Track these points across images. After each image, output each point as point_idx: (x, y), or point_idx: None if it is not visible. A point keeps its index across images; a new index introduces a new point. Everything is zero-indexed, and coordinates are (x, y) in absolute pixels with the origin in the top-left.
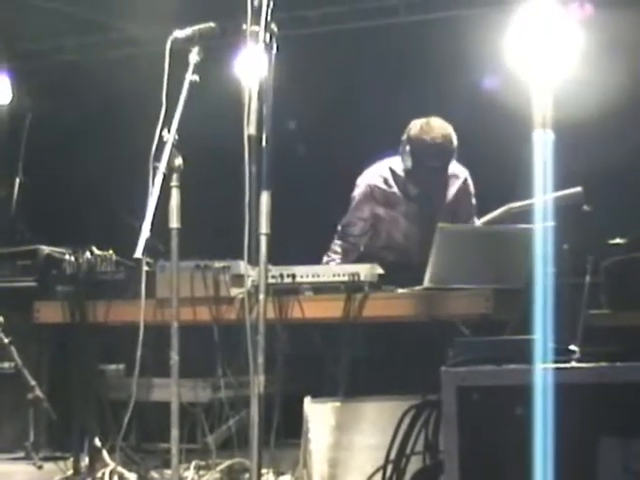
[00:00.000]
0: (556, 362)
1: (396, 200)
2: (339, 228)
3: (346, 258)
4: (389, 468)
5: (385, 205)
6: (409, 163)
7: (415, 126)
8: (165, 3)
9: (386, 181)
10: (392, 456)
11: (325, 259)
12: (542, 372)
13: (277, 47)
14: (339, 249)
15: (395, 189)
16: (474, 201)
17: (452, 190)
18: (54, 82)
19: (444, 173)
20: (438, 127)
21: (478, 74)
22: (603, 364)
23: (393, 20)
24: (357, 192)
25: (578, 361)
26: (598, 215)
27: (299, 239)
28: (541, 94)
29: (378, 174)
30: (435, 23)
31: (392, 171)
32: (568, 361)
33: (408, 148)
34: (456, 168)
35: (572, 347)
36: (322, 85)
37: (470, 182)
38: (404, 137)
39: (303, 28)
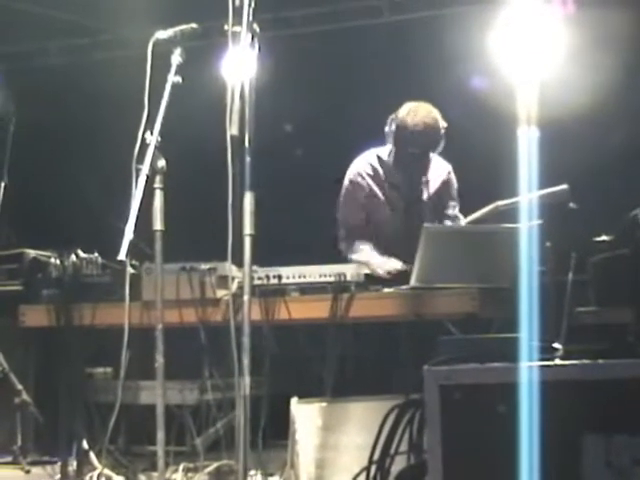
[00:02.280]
0: (540, 360)
1: (382, 186)
2: (345, 225)
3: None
4: (373, 468)
5: (371, 194)
6: (392, 145)
7: (403, 109)
8: (149, 5)
9: (373, 168)
10: (376, 456)
11: (353, 257)
12: (525, 370)
13: (259, 47)
14: (347, 250)
15: (381, 175)
16: (456, 196)
17: (436, 183)
18: (38, 85)
19: (425, 159)
20: (424, 113)
21: (463, 72)
22: (586, 361)
23: (377, 20)
24: (346, 182)
25: (561, 359)
26: (584, 212)
27: (286, 240)
28: (526, 92)
29: (366, 161)
30: (419, 22)
31: (379, 158)
32: (551, 359)
33: (393, 128)
34: (440, 162)
35: (555, 345)
36: (307, 86)
37: (453, 177)
38: (391, 117)
39: (287, 29)
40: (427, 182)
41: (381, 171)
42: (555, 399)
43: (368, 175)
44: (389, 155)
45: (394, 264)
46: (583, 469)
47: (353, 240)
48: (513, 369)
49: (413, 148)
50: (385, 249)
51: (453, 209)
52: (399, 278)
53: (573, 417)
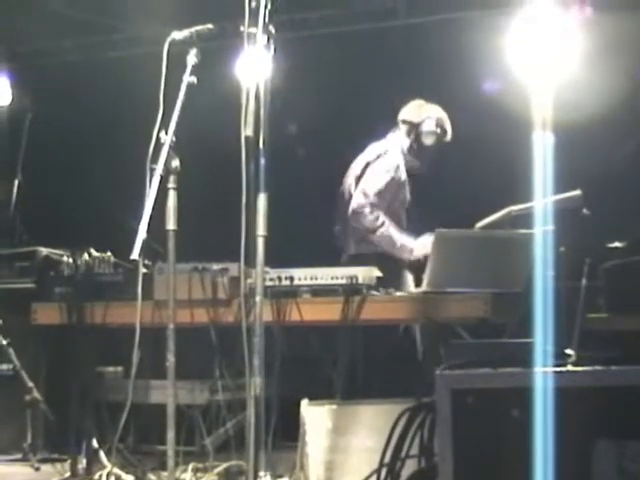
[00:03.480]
0: (552, 366)
1: (404, 188)
2: (372, 198)
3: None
4: (383, 471)
5: (405, 182)
6: (414, 142)
7: (431, 107)
8: (165, 4)
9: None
10: (387, 459)
11: (399, 237)
12: (538, 375)
13: (275, 48)
14: (377, 221)
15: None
16: None
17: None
18: (54, 83)
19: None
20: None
21: (478, 76)
22: (598, 367)
23: (393, 22)
24: (388, 164)
25: (574, 364)
26: (597, 218)
27: (298, 242)
28: (541, 96)
29: (395, 155)
30: (435, 25)
31: (402, 151)
32: (564, 365)
33: (432, 127)
34: None
35: (568, 351)
36: (322, 87)
37: None
38: (409, 117)
39: (303, 30)
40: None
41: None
42: (568, 405)
43: (400, 170)
44: (409, 150)
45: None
46: (595, 475)
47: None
48: (526, 374)
49: (442, 136)
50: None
51: None
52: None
53: (585, 423)
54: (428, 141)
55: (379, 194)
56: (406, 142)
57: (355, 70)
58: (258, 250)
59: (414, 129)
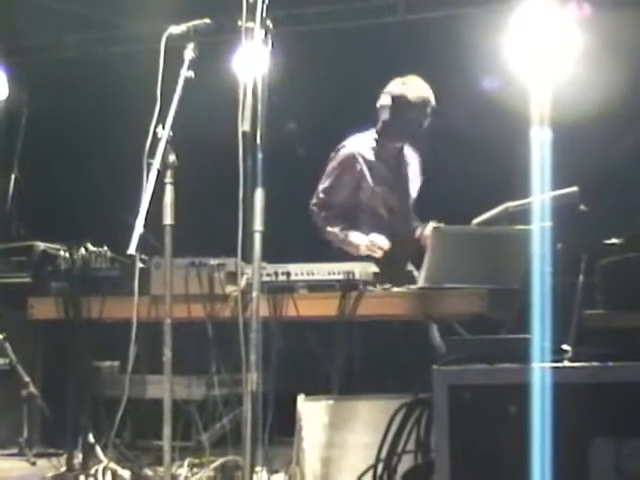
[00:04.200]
0: (549, 361)
1: (378, 166)
2: (321, 195)
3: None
4: (380, 467)
5: (367, 172)
6: (388, 117)
7: (396, 82)
8: (163, 0)
9: (370, 148)
10: (383, 455)
11: (329, 229)
12: (535, 371)
13: (272, 43)
14: (325, 220)
15: (378, 155)
16: None
17: (414, 165)
18: (51, 78)
19: (421, 130)
20: (420, 83)
21: (477, 73)
22: (595, 364)
23: (392, 18)
24: (341, 158)
25: (571, 361)
26: (594, 215)
27: (295, 237)
28: (539, 93)
29: (361, 141)
30: (434, 21)
31: (375, 139)
32: (561, 361)
33: (388, 101)
34: (411, 150)
35: (565, 347)
36: (320, 82)
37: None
38: (383, 94)
39: (301, 26)
40: (409, 166)
41: (376, 150)
42: (564, 401)
43: (362, 156)
44: (380, 134)
45: (380, 240)
46: (592, 472)
47: (333, 216)
48: (523, 370)
49: (412, 115)
50: (386, 231)
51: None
52: (390, 255)
53: (582, 420)
54: (384, 116)
55: (325, 192)
56: (378, 126)
57: (353, 66)
58: (255, 245)
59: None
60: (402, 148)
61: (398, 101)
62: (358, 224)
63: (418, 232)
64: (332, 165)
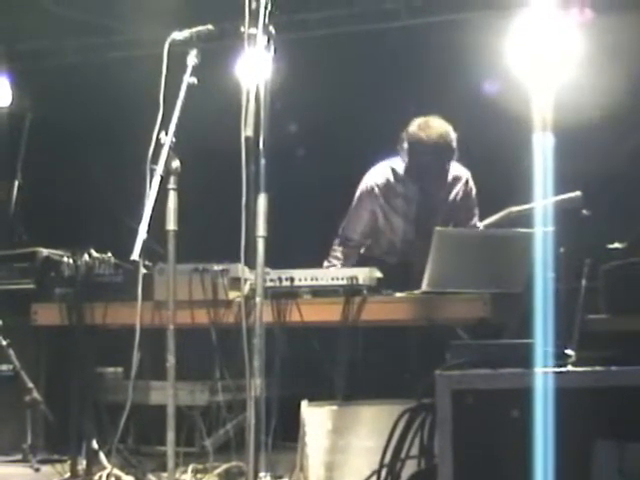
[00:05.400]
0: (552, 366)
1: (396, 198)
2: (340, 231)
3: (347, 263)
4: (384, 472)
5: (385, 204)
6: (406, 160)
7: (414, 124)
8: (165, 6)
9: (388, 180)
10: (387, 460)
11: (325, 264)
12: (538, 376)
13: (275, 49)
14: (340, 254)
15: (397, 187)
16: (475, 203)
17: (454, 192)
18: (54, 84)
19: (442, 172)
20: (436, 126)
21: (478, 78)
22: (598, 368)
23: (394, 23)
24: (359, 192)
25: (574, 365)
26: (597, 219)
27: (299, 242)
28: (541, 98)
29: (380, 173)
30: (435, 27)
31: (393, 170)
32: (564, 365)
33: (405, 145)
34: (458, 170)
35: (568, 351)
36: (322, 88)
37: (472, 184)
38: (403, 134)
39: (303, 31)
40: (444, 194)
41: (394, 182)
42: (567, 405)
43: (379, 187)
44: (404, 171)
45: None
46: (595, 476)
47: (340, 251)
48: (526, 375)
49: (430, 159)
50: (399, 258)
51: (471, 219)
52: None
53: (585, 424)
54: (404, 158)
55: (344, 228)
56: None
57: (355, 71)
58: (258, 251)
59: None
60: (443, 178)
61: (413, 146)
62: (374, 247)
63: None
64: (353, 202)
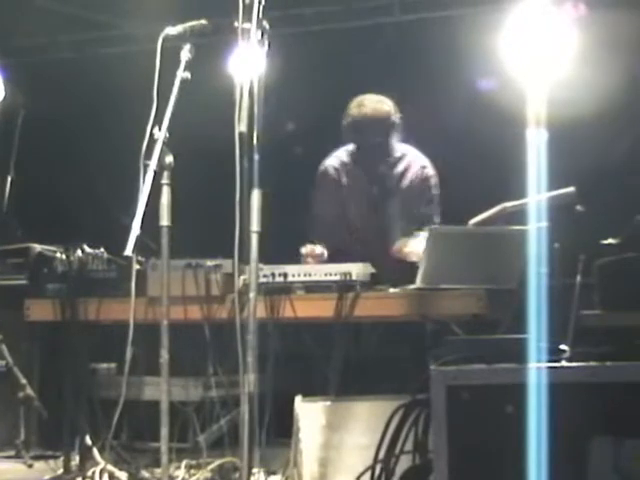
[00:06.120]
0: (547, 361)
1: (350, 180)
2: (316, 216)
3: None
4: (378, 467)
5: (339, 187)
6: (348, 139)
7: (351, 102)
8: (159, 1)
9: (342, 162)
10: (381, 455)
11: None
12: (533, 371)
13: (269, 44)
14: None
15: (351, 170)
16: (435, 194)
17: (408, 177)
18: (47, 80)
19: (384, 147)
20: (370, 102)
21: (472, 73)
22: (594, 363)
23: (388, 19)
24: (317, 177)
25: (569, 360)
26: (591, 215)
27: (292, 238)
28: (535, 93)
29: (335, 155)
30: (430, 22)
31: (348, 153)
32: (559, 360)
33: (344, 123)
34: (415, 156)
35: (563, 346)
36: (317, 83)
37: (430, 172)
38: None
39: (297, 26)
40: (396, 176)
41: (349, 166)
42: (562, 401)
43: (335, 169)
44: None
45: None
46: (590, 473)
47: (321, 232)
48: (521, 370)
49: (363, 138)
50: (358, 243)
51: (427, 206)
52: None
53: (580, 420)
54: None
55: (310, 219)
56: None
57: (349, 66)
58: (252, 246)
59: None
60: (398, 162)
61: (349, 125)
62: (340, 239)
63: (395, 246)
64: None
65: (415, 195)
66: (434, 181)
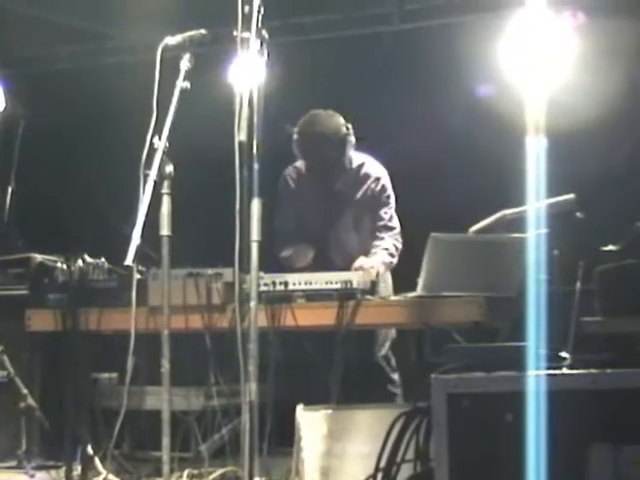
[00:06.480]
0: (547, 369)
1: (306, 191)
2: (280, 225)
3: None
4: (379, 476)
5: (296, 194)
6: (299, 156)
7: (301, 120)
8: (158, 11)
9: (299, 172)
10: (383, 464)
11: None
12: (533, 379)
13: (268, 53)
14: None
15: (306, 181)
16: (390, 202)
17: (363, 189)
18: (47, 90)
19: (332, 163)
20: (320, 119)
21: (472, 80)
22: (594, 371)
23: (387, 28)
24: (279, 186)
25: (569, 368)
26: (591, 222)
27: None
28: (535, 100)
29: (295, 165)
30: (429, 31)
31: (305, 163)
32: (559, 368)
33: (294, 141)
34: (372, 167)
35: (563, 354)
36: (317, 92)
37: (385, 182)
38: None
39: (297, 35)
40: (351, 188)
41: (305, 178)
42: (563, 408)
43: (290, 177)
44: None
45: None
46: (590, 479)
47: (283, 244)
48: (521, 378)
49: (311, 156)
50: (318, 254)
51: (383, 218)
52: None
53: (581, 427)
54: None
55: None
56: None
57: (349, 75)
58: (252, 255)
59: None
60: (355, 172)
61: (298, 141)
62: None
63: (355, 265)
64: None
65: (372, 206)
66: (390, 191)
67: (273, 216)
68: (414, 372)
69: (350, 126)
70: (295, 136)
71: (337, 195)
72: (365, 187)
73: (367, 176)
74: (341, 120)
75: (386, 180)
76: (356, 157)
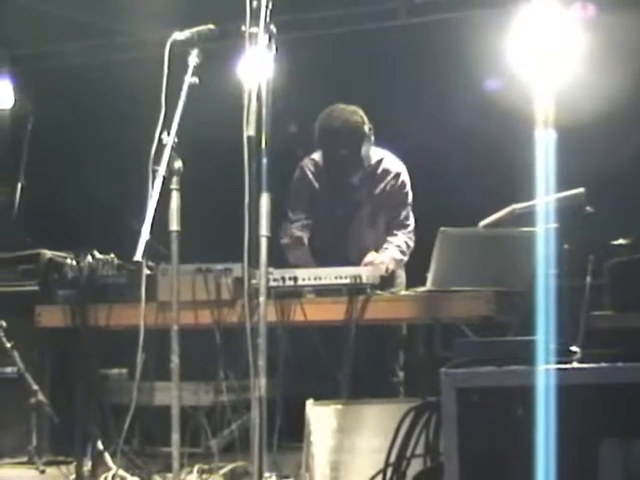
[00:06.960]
0: (557, 363)
1: (323, 186)
2: (289, 214)
3: (299, 242)
4: (389, 471)
5: (313, 191)
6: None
7: (321, 114)
8: (166, 7)
9: (317, 164)
10: (392, 459)
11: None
12: (543, 373)
13: (276, 48)
14: (290, 236)
15: (324, 173)
16: (408, 199)
17: (382, 185)
18: (56, 86)
19: (353, 159)
20: (340, 113)
21: (480, 75)
22: (604, 365)
23: (394, 22)
24: (295, 176)
25: (579, 362)
26: (600, 216)
27: None
28: (543, 95)
29: (314, 156)
30: (436, 25)
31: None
32: (569, 362)
33: (314, 135)
34: (391, 163)
35: (573, 348)
36: (324, 87)
37: (404, 179)
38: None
39: (305, 31)
40: (370, 183)
41: (323, 172)
42: (573, 403)
43: (308, 167)
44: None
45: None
46: (600, 475)
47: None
48: (531, 372)
49: (329, 150)
50: (318, 248)
51: (401, 211)
52: None
53: (591, 421)
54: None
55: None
56: None
57: (357, 69)
58: (261, 250)
59: None
60: (373, 168)
61: (319, 135)
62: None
63: (365, 260)
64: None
65: (389, 202)
66: (408, 187)
67: (287, 203)
68: (421, 366)
69: (369, 123)
70: (316, 131)
71: (355, 190)
72: (384, 183)
73: (387, 172)
74: (360, 116)
75: (405, 176)
76: (375, 153)
